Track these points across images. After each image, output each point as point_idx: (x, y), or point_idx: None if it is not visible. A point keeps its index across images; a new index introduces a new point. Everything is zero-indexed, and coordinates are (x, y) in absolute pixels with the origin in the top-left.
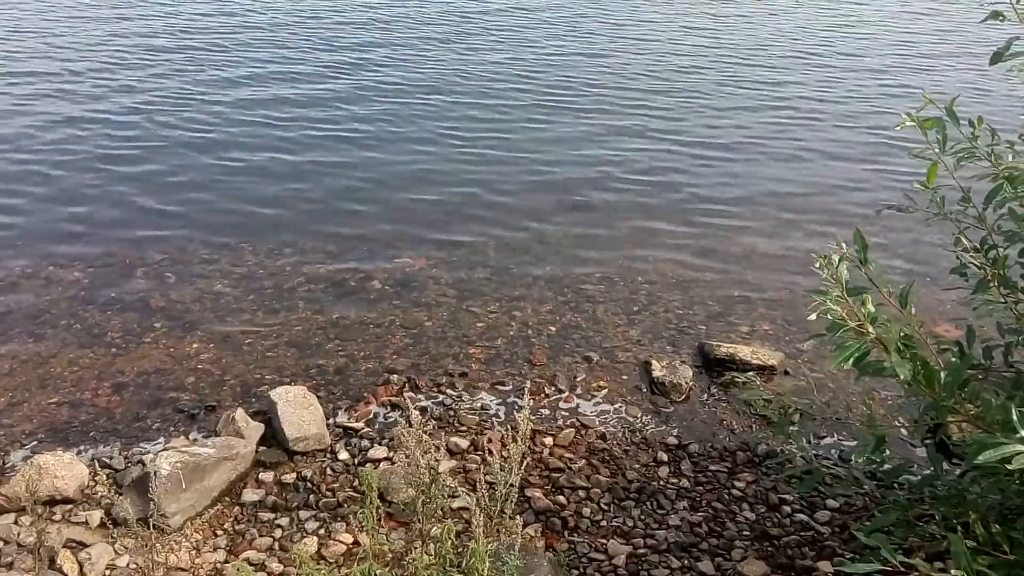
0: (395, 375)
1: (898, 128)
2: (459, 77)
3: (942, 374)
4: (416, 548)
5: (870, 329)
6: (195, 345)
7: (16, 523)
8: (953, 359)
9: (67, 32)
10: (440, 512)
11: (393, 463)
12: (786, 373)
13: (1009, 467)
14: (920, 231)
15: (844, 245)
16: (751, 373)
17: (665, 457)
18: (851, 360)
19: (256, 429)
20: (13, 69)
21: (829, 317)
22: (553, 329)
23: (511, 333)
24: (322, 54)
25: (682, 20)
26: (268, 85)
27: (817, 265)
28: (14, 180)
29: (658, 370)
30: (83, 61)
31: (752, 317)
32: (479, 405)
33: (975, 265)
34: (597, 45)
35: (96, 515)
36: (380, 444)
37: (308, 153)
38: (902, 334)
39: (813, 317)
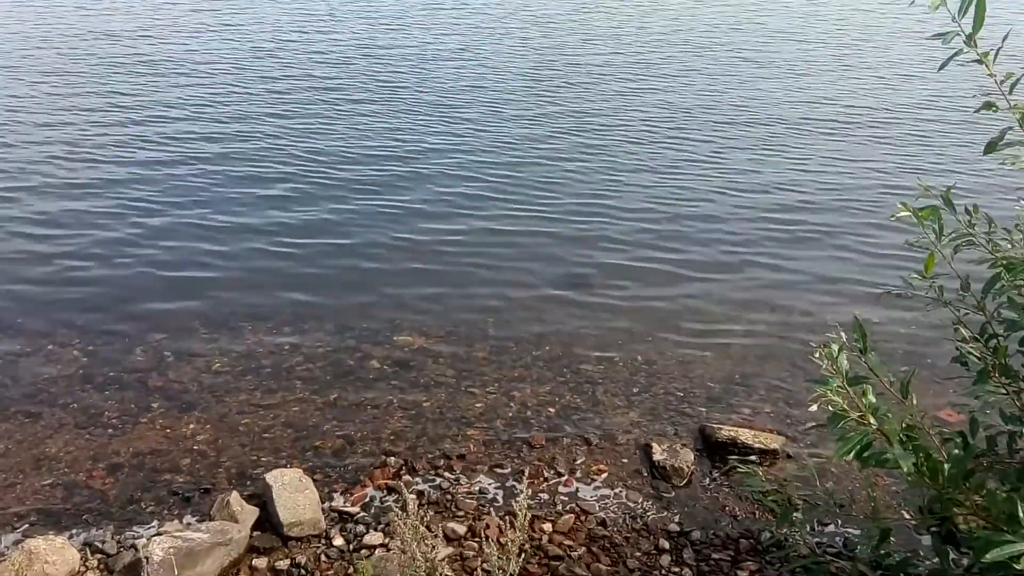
0: (392, 457)
1: (893, 218)
2: (455, 152)
3: (946, 466)
4: None
5: (871, 420)
6: (192, 426)
7: None
8: (956, 451)
9: (50, 107)
10: None
11: (389, 549)
12: (788, 457)
13: (1017, 566)
14: (921, 313)
15: (843, 334)
16: (753, 457)
17: (667, 545)
18: (853, 452)
19: (251, 513)
20: (11, 139)
21: (830, 408)
22: (552, 410)
23: (510, 414)
24: (314, 127)
25: (675, 96)
26: (264, 163)
27: (817, 355)
28: (13, 254)
29: (659, 453)
30: (76, 133)
31: (753, 399)
32: (477, 489)
33: (975, 356)
34: (586, 123)
35: None
36: (376, 530)
37: (307, 231)
38: (904, 425)
39: (814, 408)
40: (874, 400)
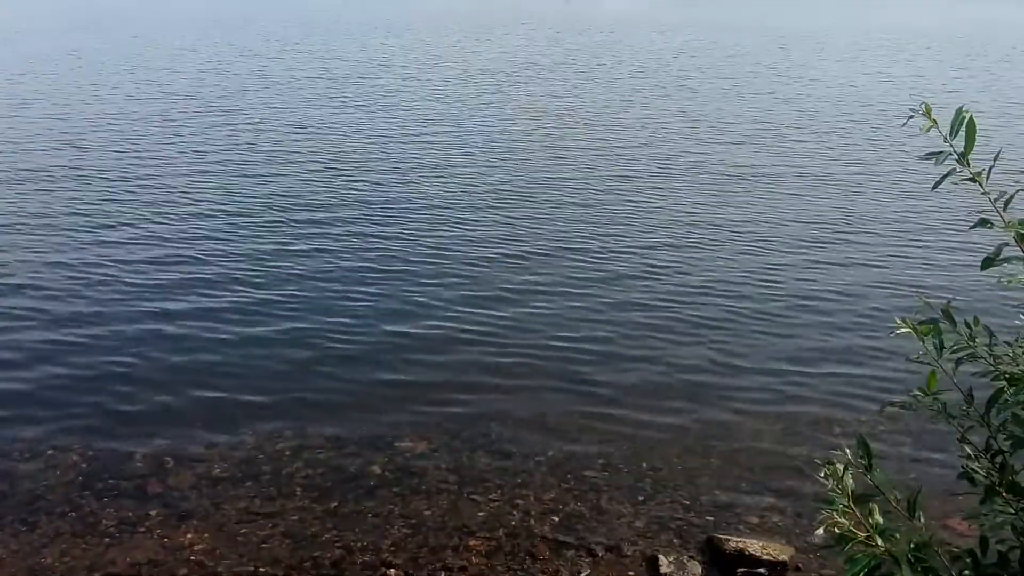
0: (392, 569)
1: (892, 336)
2: (455, 254)
3: None
4: None
5: (879, 541)
6: (189, 535)
7: None
8: (966, 572)
9: (56, 200)
10: None
11: None
12: (798, 569)
13: None
14: (926, 422)
15: (848, 451)
16: (762, 570)
17: None
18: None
19: None
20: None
21: (836, 530)
22: (556, 519)
23: (513, 523)
24: (309, 224)
25: (671, 206)
26: (263, 263)
27: (823, 474)
28: (16, 360)
29: (665, 566)
30: (70, 238)
31: (761, 508)
32: None
33: (981, 474)
34: (588, 227)
35: None
36: None
37: (307, 334)
38: (912, 545)
39: (820, 531)
40: (881, 520)
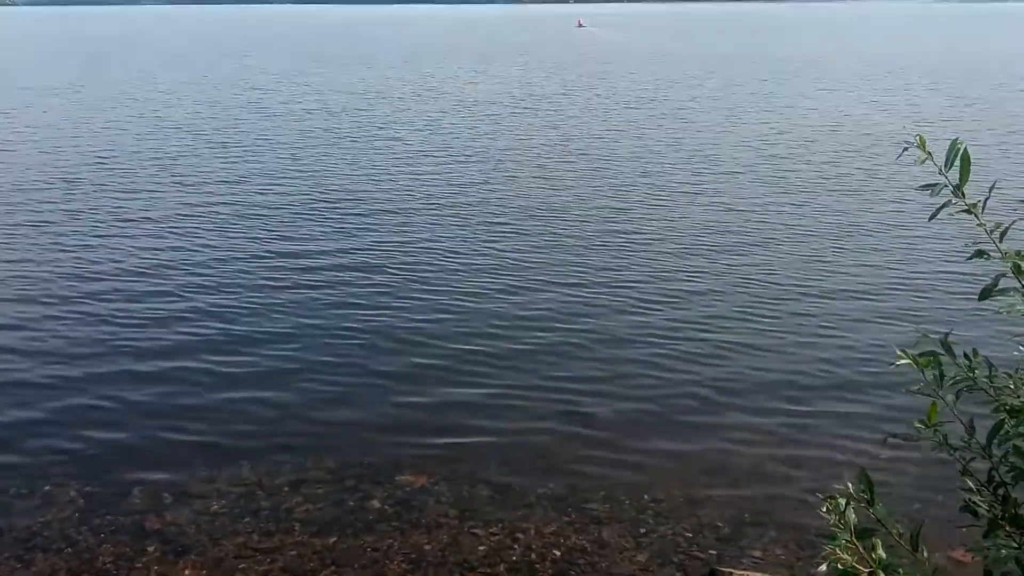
0: None
1: (892, 366)
2: (446, 282)
3: None
4: None
5: None
6: (187, 571)
7: None
8: None
9: (60, 257)
10: None
11: None
12: None
13: None
14: (928, 456)
15: (850, 484)
16: None
17: None
18: None
19: None
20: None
21: (839, 566)
22: (558, 553)
23: (513, 557)
24: (302, 258)
25: (666, 232)
26: (257, 297)
27: (824, 509)
28: (12, 396)
29: None
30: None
31: (764, 540)
32: None
33: (983, 507)
34: (594, 257)
35: None
36: None
37: (304, 370)
38: None
39: (823, 568)
40: (884, 555)
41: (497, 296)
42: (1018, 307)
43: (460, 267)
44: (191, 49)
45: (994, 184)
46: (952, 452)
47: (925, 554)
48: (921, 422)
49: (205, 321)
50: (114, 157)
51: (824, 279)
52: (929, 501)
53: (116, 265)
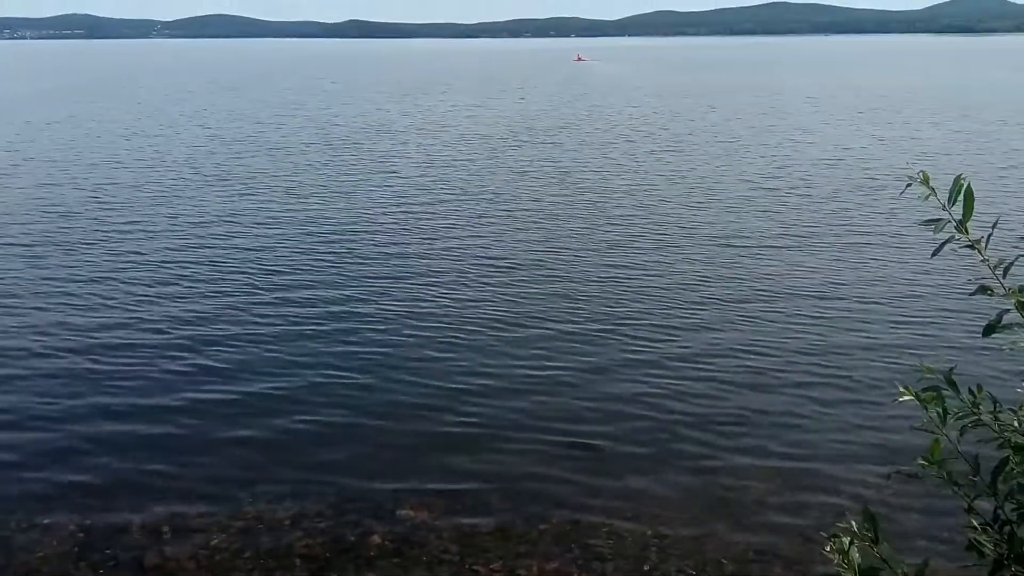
0: None
1: (895, 403)
2: (444, 315)
3: None
4: None
5: None
6: None
7: None
8: None
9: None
10: None
11: None
12: None
13: None
14: (932, 491)
15: (854, 522)
16: None
17: None
18: None
19: None
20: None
21: None
22: None
23: None
24: (303, 289)
25: (666, 265)
26: (258, 329)
27: (828, 548)
28: (11, 431)
29: None
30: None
31: None
32: None
33: (989, 546)
34: (606, 292)
35: None
36: None
37: (307, 404)
38: None
39: None
40: None
41: (496, 331)
42: (1022, 343)
43: (458, 302)
44: (194, 81)
45: (997, 220)
46: (957, 489)
47: None
48: (924, 458)
49: (204, 356)
50: (108, 191)
51: (826, 314)
52: (934, 539)
53: (112, 299)
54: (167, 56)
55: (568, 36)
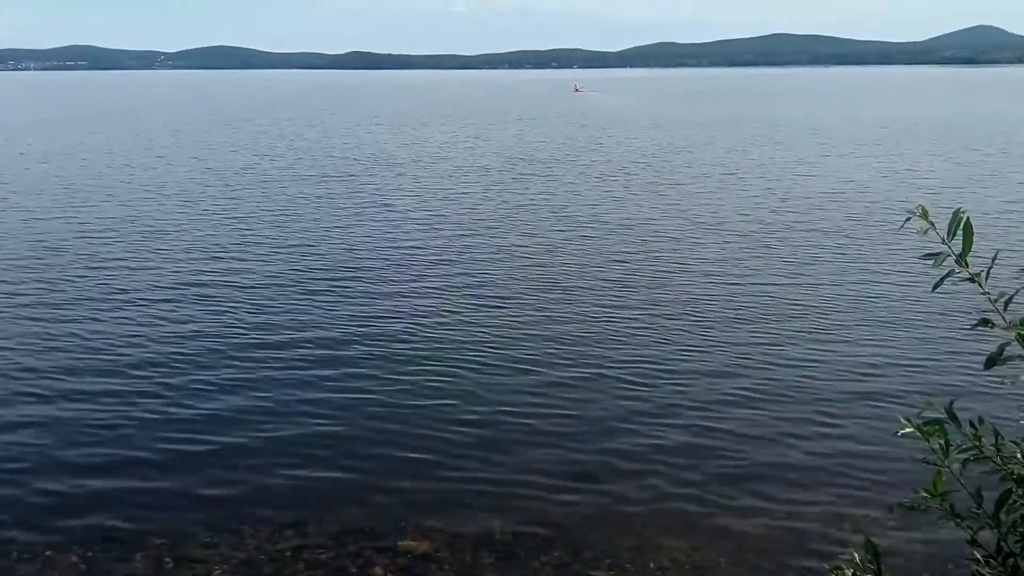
0: None
1: (897, 435)
2: (442, 348)
3: None
4: None
5: None
6: None
7: None
8: None
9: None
10: None
11: None
12: None
13: None
14: (935, 522)
15: (856, 554)
16: None
17: None
18: None
19: None
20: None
21: None
22: None
23: None
24: (324, 330)
25: (666, 297)
26: (259, 360)
27: None
28: (12, 461)
29: None
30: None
31: None
32: None
33: None
34: (610, 327)
35: None
36: None
37: (308, 436)
38: None
39: None
40: None
41: (498, 365)
42: (1023, 377)
43: (456, 337)
44: (194, 112)
45: (996, 254)
46: (960, 522)
47: None
48: (927, 491)
49: (204, 388)
50: (97, 225)
51: (827, 347)
52: (936, 572)
53: (117, 334)
54: (169, 87)
55: (571, 67)
